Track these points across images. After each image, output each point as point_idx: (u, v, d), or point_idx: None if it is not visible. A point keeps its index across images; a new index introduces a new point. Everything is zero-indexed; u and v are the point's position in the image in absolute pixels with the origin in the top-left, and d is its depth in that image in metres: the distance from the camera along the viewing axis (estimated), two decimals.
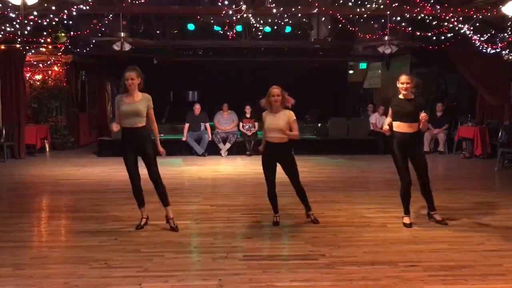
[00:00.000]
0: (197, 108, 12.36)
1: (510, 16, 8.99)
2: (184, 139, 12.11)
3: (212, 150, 12.16)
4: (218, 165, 10.86)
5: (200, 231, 5.58)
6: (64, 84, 13.35)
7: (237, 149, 12.36)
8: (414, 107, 5.45)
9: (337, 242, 5.05)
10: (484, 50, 10.81)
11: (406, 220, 5.61)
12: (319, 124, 13.71)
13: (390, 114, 5.71)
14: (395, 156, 5.56)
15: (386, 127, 5.69)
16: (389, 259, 4.47)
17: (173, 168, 10.21)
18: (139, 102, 5.27)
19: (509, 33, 10.24)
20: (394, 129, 5.57)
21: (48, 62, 13.07)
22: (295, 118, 5.53)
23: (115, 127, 5.40)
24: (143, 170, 5.48)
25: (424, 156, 5.68)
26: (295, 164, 5.60)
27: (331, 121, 13.27)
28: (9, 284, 3.93)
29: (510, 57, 10.87)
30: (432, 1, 9.89)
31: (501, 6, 8.64)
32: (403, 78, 5.46)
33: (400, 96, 5.54)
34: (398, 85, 5.50)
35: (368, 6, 10.01)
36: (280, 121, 5.46)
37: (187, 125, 12.16)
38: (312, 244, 4.95)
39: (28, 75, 13.02)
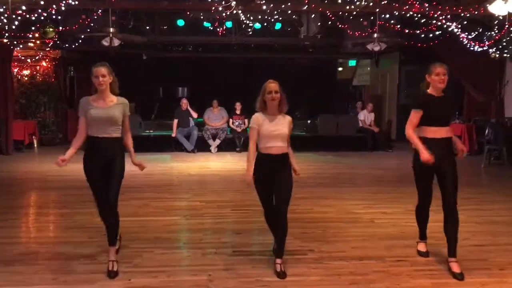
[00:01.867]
0: (184, 103, 12.35)
1: (496, 15, 9.09)
2: (173, 135, 12.11)
3: (202, 146, 12.16)
4: (208, 161, 10.87)
5: (190, 227, 5.60)
6: (53, 80, 13.27)
7: (226, 146, 12.39)
8: (451, 106, 4.37)
9: (326, 237, 5.10)
10: (472, 48, 10.92)
11: (421, 246, 4.57)
12: (309, 121, 13.79)
13: (414, 121, 4.22)
14: (417, 170, 4.30)
15: (426, 154, 4.07)
16: (377, 254, 4.53)
17: (162, 165, 10.20)
18: (114, 107, 4.22)
19: (496, 31, 10.35)
20: (428, 135, 4.19)
21: (36, 57, 12.98)
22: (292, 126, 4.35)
23: (61, 162, 4.10)
24: None
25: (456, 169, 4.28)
26: (292, 182, 4.25)
27: (320, 118, 13.34)
28: None
29: (497, 55, 10.98)
30: None
31: (487, 5, 8.73)
32: (440, 67, 4.22)
33: (432, 92, 4.26)
34: (433, 77, 4.21)
35: (358, 3, 10.06)
36: (283, 127, 4.21)
37: (175, 121, 12.15)
38: (301, 240, 5.00)
39: (16, 70, 12.91)
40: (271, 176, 4.14)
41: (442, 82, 4.17)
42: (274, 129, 4.15)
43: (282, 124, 4.20)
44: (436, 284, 3.90)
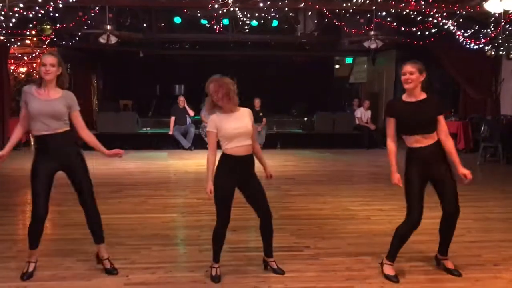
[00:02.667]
0: (182, 100, 12.36)
1: (492, 13, 9.13)
2: (170, 133, 12.12)
3: (199, 144, 12.18)
4: (205, 159, 10.78)
5: (187, 224, 5.63)
6: None
7: None
8: (429, 111, 3.89)
9: (322, 234, 5.14)
10: (468, 46, 10.96)
11: (389, 270, 3.97)
12: (305, 118, 13.81)
13: (388, 131, 3.96)
14: (409, 183, 3.89)
15: (394, 176, 3.93)
16: (372, 251, 4.56)
17: (159, 162, 10.22)
18: (57, 100, 3.84)
19: (492, 29, 10.39)
20: (409, 145, 3.94)
21: (33, 55, 12.95)
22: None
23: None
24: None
25: (454, 176, 3.97)
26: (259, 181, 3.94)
27: (317, 115, 13.37)
28: None
29: (493, 53, 11.03)
30: None
31: (483, 3, 8.76)
32: (406, 66, 3.93)
33: (406, 98, 3.92)
34: (402, 78, 3.92)
35: (354, 1, 10.07)
36: (247, 122, 3.83)
37: (172, 118, 12.16)
38: (297, 236, 5.03)
39: (12, 67, 12.89)
40: (237, 181, 3.82)
41: (406, 82, 3.83)
42: (238, 126, 3.76)
43: (246, 120, 3.82)
44: (431, 280, 3.95)
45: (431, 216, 4.47)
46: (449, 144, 3.91)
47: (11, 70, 12.75)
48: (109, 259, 4.08)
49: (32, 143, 3.98)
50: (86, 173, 3.97)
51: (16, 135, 3.98)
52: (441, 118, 3.89)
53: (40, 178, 3.82)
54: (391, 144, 3.96)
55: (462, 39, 10.85)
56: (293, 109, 15.86)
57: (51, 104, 3.81)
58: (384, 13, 10.69)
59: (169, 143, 12.26)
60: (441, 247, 4.12)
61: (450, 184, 3.89)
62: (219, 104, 3.78)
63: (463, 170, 3.91)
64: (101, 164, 9.37)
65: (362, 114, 13.27)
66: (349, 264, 4.26)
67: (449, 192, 3.89)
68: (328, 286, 3.81)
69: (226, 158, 3.82)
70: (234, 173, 3.81)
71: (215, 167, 3.83)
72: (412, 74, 3.83)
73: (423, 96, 3.89)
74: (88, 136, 4.03)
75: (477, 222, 5.64)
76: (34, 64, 13.26)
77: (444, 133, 3.90)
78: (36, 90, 3.88)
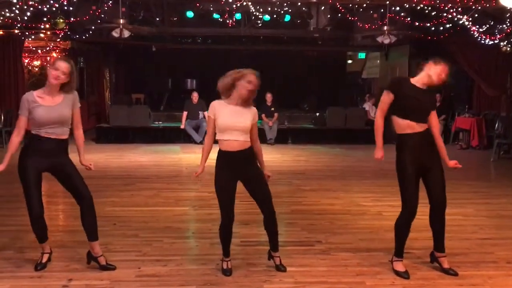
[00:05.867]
0: (195, 96, 12.37)
1: (508, 8, 9.01)
2: (182, 127, 12.15)
3: None
4: (216, 152, 10.88)
5: (198, 217, 5.66)
6: None
7: None
8: (431, 103, 4.00)
9: (333, 229, 5.13)
10: (483, 41, 10.85)
11: (399, 266, 3.95)
12: (317, 114, 13.76)
13: (382, 105, 3.92)
14: (404, 171, 3.84)
15: (378, 152, 3.95)
16: (384, 247, 4.55)
17: (171, 156, 10.27)
18: (62, 104, 3.77)
19: (508, 24, 10.27)
20: (402, 131, 3.88)
21: (47, 48, 13.04)
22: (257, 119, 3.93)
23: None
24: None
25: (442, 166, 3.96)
26: (264, 176, 3.91)
27: (329, 110, 13.31)
28: (11, 266, 4.02)
29: (508, 49, 10.90)
30: None
31: None
32: (446, 65, 3.89)
33: (416, 82, 3.90)
34: (434, 70, 3.85)
35: None
36: (246, 119, 3.77)
37: (185, 113, 12.18)
38: (308, 231, 5.03)
39: (26, 61, 13.00)
40: (235, 175, 3.79)
41: (443, 78, 3.87)
42: (236, 120, 3.71)
43: (247, 117, 3.76)
44: (441, 276, 3.92)
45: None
46: (440, 142, 3.96)
47: (25, 63, 12.86)
48: (103, 255, 4.01)
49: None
50: (78, 172, 3.92)
51: (14, 145, 3.84)
52: (434, 113, 3.92)
53: (31, 178, 3.78)
54: (379, 120, 3.93)
55: (477, 35, 10.73)
56: (304, 104, 15.82)
57: (57, 109, 3.74)
58: (397, 8, 10.61)
59: (181, 137, 12.30)
60: (436, 242, 4.03)
61: (439, 174, 3.87)
62: (244, 96, 3.73)
63: (451, 162, 3.96)
64: (114, 157, 9.46)
65: (370, 107, 13.22)
66: (360, 259, 4.25)
67: (438, 182, 3.86)
68: (338, 281, 3.80)
69: (220, 154, 3.83)
70: (230, 169, 3.79)
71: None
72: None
73: (426, 87, 3.91)
74: (80, 135, 4.00)
75: (490, 219, 5.59)
76: (48, 58, 13.36)
77: (437, 128, 3.96)
78: (38, 95, 3.76)
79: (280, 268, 3.98)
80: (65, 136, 3.83)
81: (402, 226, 3.90)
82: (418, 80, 3.90)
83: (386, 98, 3.88)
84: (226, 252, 3.96)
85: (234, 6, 10.17)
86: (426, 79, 3.87)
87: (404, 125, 3.83)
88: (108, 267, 3.96)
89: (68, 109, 3.81)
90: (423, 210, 4.00)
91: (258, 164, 3.94)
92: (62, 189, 4.00)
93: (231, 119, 3.72)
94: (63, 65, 3.72)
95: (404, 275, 3.88)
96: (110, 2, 10.52)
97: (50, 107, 3.73)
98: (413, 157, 3.81)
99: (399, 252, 3.97)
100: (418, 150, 3.82)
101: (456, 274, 3.91)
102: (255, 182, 3.85)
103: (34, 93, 3.79)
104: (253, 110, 3.85)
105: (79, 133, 4.00)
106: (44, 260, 3.99)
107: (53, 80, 3.71)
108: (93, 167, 4.10)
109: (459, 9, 10.22)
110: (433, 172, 3.86)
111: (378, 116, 3.94)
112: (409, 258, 4.23)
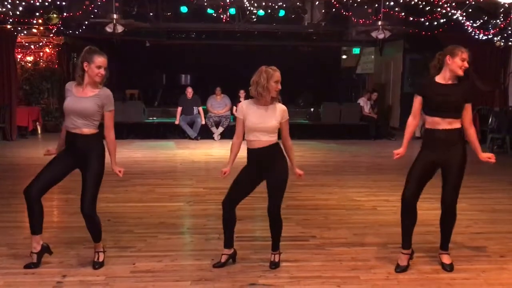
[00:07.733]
0: (189, 91, 12.35)
1: (502, 3, 9.03)
2: (176, 122, 12.13)
3: (205, 133, 12.19)
4: (211, 148, 10.90)
5: (193, 213, 5.65)
6: (56, 66, 13.27)
7: (230, 133, 12.37)
8: (459, 96, 3.87)
9: (328, 224, 5.15)
10: (477, 36, 10.87)
11: (400, 259, 3.95)
12: (312, 109, 13.78)
13: (413, 108, 3.97)
14: (413, 163, 3.96)
15: (399, 150, 4.05)
16: (378, 241, 4.57)
17: (166, 151, 10.25)
18: (89, 98, 3.71)
19: (502, 19, 10.29)
20: (426, 126, 3.94)
21: (40, 44, 12.97)
22: (288, 117, 3.92)
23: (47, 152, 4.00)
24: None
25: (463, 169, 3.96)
26: (287, 174, 3.89)
27: (324, 106, 13.33)
28: (4, 263, 4.00)
29: (502, 44, 10.93)
30: None
31: None
32: (467, 52, 3.87)
33: (440, 80, 3.88)
34: (454, 65, 3.84)
35: None
36: (272, 120, 3.80)
37: (179, 108, 12.16)
38: (303, 226, 5.05)
39: (19, 56, 12.92)
40: (260, 169, 3.83)
41: (464, 69, 3.82)
42: (260, 121, 3.76)
43: (273, 117, 3.79)
44: (436, 270, 3.94)
45: (436, 208, 4.46)
46: (471, 132, 3.94)
47: (18, 59, 12.77)
48: (99, 252, 3.96)
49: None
50: (95, 180, 3.82)
51: (63, 132, 3.87)
52: (468, 106, 3.87)
53: (50, 161, 3.85)
54: (410, 120, 4.03)
55: (471, 30, 10.75)
56: (299, 99, 15.81)
57: (81, 101, 3.68)
58: (392, 3, 10.62)
59: (176, 133, 12.28)
60: (441, 240, 4.07)
61: (455, 175, 3.86)
62: (274, 96, 3.78)
63: (484, 155, 4.00)
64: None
65: (365, 103, 13.23)
66: (354, 254, 4.26)
67: (448, 183, 3.87)
68: (333, 276, 3.81)
69: (247, 152, 3.89)
70: (252, 165, 3.87)
71: None
72: (468, 63, 3.84)
73: (456, 80, 3.87)
74: (110, 140, 3.86)
75: (484, 213, 5.63)
76: (41, 53, 13.28)
77: (467, 120, 3.90)
78: (76, 87, 3.77)
79: (272, 264, 3.95)
80: (88, 131, 3.72)
81: (401, 215, 3.98)
82: (443, 77, 3.89)
83: (416, 102, 3.95)
84: (226, 242, 3.97)
85: (228, 1, 10.15)
86: (450, 74, 3.86)
87: (429, 121, 3.89)
88: (95, 263, 3.89)
89: (93, 104, 3.69)
90: (420, 205, 4.01)
91: (289, 162, 3.95)
92: (57, 185, 3.98)
93: (259, 120, 3.77)
94: (104, 60, 3.73)
95: (396, 268, 3.90)
96: None
97: (77, 97, 3.71)
98: (426, 152, 3.89)
99: (403, 242, 3.97)
100: (433, 147, 3.85)
101: (450, 270, 3.90)
102: (271, 181, 3.85)
103: (73, 83, 3.79)
104: (282, 108, 3.86)
105: (109, 137, 3.85)
106: (34, 260, 3.89)
107: (97, 78, 3.69)
108: (122, 174, 4.00)
109: (453, 4, 10.24)
110: (447, 171, 3.88)
111: (410, 118, 4.03)
112: (400, 252, 4.25)
